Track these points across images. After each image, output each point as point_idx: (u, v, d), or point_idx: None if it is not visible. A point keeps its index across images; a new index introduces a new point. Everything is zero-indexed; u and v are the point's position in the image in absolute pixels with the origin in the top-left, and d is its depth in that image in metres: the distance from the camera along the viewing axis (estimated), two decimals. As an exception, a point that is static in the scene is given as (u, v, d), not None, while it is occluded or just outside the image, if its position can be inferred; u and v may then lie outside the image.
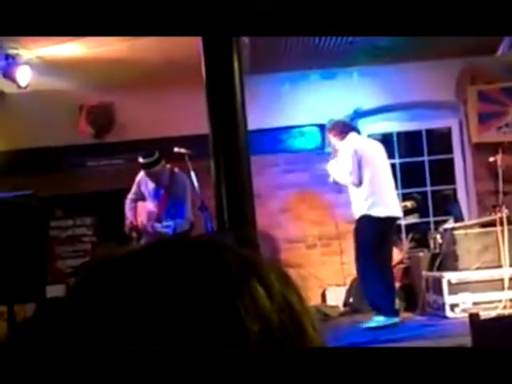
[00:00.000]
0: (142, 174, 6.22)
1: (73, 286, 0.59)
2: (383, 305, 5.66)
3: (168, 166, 6.15)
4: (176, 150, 6.14)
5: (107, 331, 0.54)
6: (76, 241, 7.47)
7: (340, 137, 5.82)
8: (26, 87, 6.13)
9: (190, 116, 7.12)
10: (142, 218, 6.18)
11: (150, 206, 6.19)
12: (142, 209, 6.26)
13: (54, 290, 6.94)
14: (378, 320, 5.57)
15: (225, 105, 3.29)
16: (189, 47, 5.92)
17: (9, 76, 6.01)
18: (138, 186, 6.27)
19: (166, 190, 6.10)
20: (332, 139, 5.90)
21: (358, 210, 5.80)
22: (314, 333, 0.59)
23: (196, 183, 5.95)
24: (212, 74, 3.24)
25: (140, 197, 6.27)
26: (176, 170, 6.16)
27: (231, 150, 3.21)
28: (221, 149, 3.26)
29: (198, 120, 7.10)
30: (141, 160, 6.05)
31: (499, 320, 3.74)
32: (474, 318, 3.37)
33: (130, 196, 6.30)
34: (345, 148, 5.85)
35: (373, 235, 5.72)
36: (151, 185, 6.19)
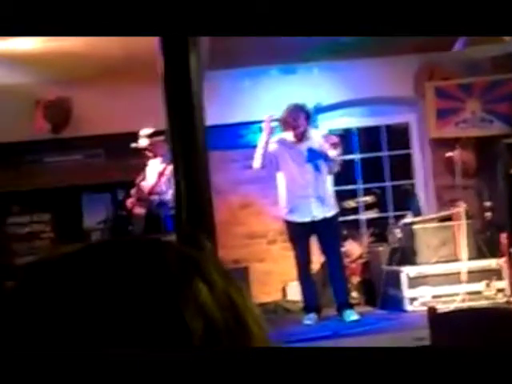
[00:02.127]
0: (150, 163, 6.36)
1: (11, 288, 0.57)
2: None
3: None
4: (133, 145, 6.11)
5: (42, 334, 0.53)
6: (34, 237, 7.37)
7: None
8: (-19, 81, 6.01)
9: (149, 111, 7.06)
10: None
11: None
12: None
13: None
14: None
15: (182, 100, 3.26)
16: (148, 41, 5.86)
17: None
18: (144, 173, 6.40)
19: (165, 167, 6.14)
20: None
21: (330, 204, 5.89)
22: (259, 331, 0.58)
23: (155, 179, 5.91)
24: (169, 69, 3.21)
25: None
26: None
27: (189, 145, 3.19)
28: (178, 145, 3.23)
29: (156, 115, 7.06)
30: (142, 132, 6.30)
31: (456, 313, 3.78)
32: (431, 311, 3.41)
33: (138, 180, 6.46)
34: (315, 134, 5.97)
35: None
36: (155, 165, 6.33)
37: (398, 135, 7.95)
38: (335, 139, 5.86)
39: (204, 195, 3.11)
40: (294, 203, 5.87)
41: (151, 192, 6.18)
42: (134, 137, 6.44)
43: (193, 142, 3.11)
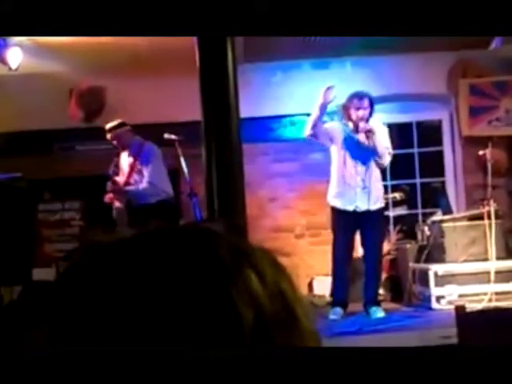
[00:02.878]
0: (121, 153, 6.30)
1: (64, 270, 0.58)
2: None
3: (138, 137, 6.23)
4: (166, 136, 6.14)
5: (96, 318, 0.53)
6: (64, 225, 7.46)
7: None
8: (16, 69, 6.08)
9: (182, 102, 7.10)
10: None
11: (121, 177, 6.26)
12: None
13: (41, 274, 6.94)
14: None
15: (218, 92, 3.28)
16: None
17: (-1, 58, 5.97)
18: (115, 165, 6.33)
19: (135, 158, 6.14)
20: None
21: (376, 197, 5.77)
22: (308, 322, 0.59)
23: (186, 170, 5.94)
24: (206, 61, 3.23)
25: (116, 176, 6.31)
26: (147, 142, 6.22)
27: (223, 137, 3.20)
28: (212, 136, 3.24)
29: (189, 106, 7.07)
30: (106, 126, 6.18)
31: (484, 313, 3.77)
32: (460, 310, 3.40)
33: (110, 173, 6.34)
34: (379, 126, 5.82)
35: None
36: (124, 157, 6.25)
37: (430, 132, 7.89)
38: (369, 127, 5.67)
39: (236, 187, 3.13)
40: (340, 189, 5.74)
41: (126, 184, 6.16)
42: (166, 127, 6.48)
43: (227, 134, 3.13)
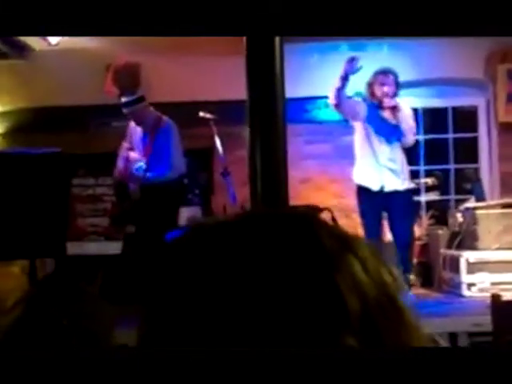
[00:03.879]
0: (131, 125, 6.08)
1: (166, 249, 0.59)
2: None
3: (155, 111, 5.97)
4: (201, 114, 6.15)
5: (197, 301, 0.53)
6: (97, 200, 7.53)
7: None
8: (56, 45, 6.12)
9: (217, 81, 7.11)
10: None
11: (134, 154, 6.02)
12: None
13: (74, 247, 7.02)
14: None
15: (265, 71, 3.27)
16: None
17: (39, 32, 6.00)
18: (130, 137, 6.10)
19: (151, 136, 5.90)
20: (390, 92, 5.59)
21: (402, 180, 5.63)
22: (410, 314, 0.57)
23: (220, 149, 5.96)
24: (252, 40, 3.22)
25: (131, 148, 6.08)
26: (164, 117, 5.96)
27: (269, 117, 3.19)
28: (257, 115, 3.24)
29: (224, 85, 7.10)
30: (122, 99, 5.93)
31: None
32: (495, 298, 3.38)
33: (125, 144, 6.10)
34: (404, 105, 5.68)
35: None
36: (138, 132, 6.03)
37: (465, 118, 7.81)
38: (394, 102, 5.52)
39: (280, 168, 3.13)
40: (365, 166, 5.63)
41: (140, 169, 5.92)
42: (201, 105, 6.49)
43: (272, 114, 3.13)
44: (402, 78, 7.37)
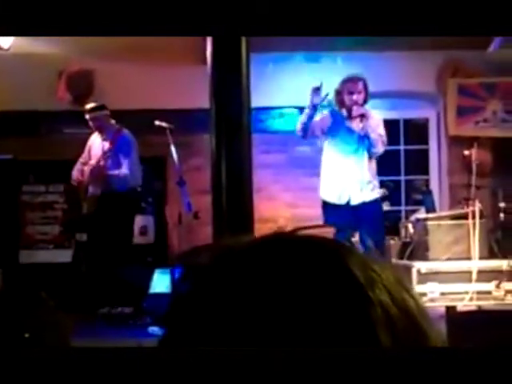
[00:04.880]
0: (91, 137, 6.32)
1: (195, 271, 0.57)
2: None
3: (115, 124, 6.22)
4: (157, 123, 6.12)
5: (230, 323, 0.52)
6: (47, 207, 7.40)
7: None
8: (8, 49, 6.01)
9: (173, 90, 7.08)
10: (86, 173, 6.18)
11: (94, 161, 6.22)
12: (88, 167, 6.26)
13: (23, 256, 6.89)
14: None
15: (230, 81, 3.27)
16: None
17: (-10, 36, 5.89)
18: (88, 150, 6.33)
19: (111, 144, 6.11)
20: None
21: (370, 190, 5.55)
22: (436, 339, 0.57)
23: (176, 157, 5.92)
24: (219, 47, 3.21)
25: (89, 160, 6.28)
26: (124, 129, 6.21)
27: (235, 126, 3.19)
28: (223, 124, 3.23)
29: (180, 94, 7.08)
30: (86, 107, 6.22)
31: (473, 314, 3.81)
32: (450, 310, 3.44)
33: (80, 160, 6.31)
34: (374, 114, 5.57)
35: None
36: (97, 142, 6.24)
37: (416, 130, 7.94)
38: (363, 110, 5.35)
39: (245, 178, 3.13)
40: (330, 180, 5.48)
41: (99, 169, 6.09)
42: (156, 113, 6.45)
43: (237, 124, 3.12)
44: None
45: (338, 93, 5.47)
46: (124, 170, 6.07)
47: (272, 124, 7.63)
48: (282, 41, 6.89)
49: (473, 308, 5.28)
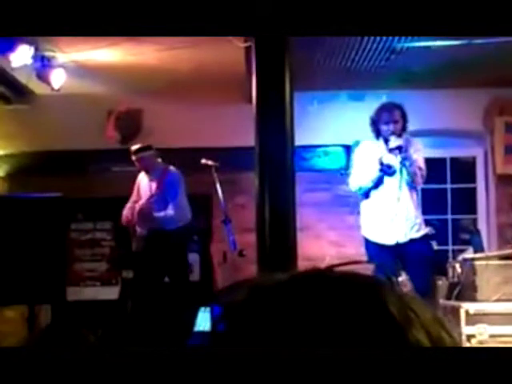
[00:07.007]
0: (139, 176, 6.38)
1: (229, 308, 0.57)
2: None
3: (162, 163, 6.29)
4: (203, 161, 6.18)
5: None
6: (95, 244, 7.49)
7: None
8: (58, 90, 6.17)
9: (218, 128, 7.16)
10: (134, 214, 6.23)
11: (143, 201, 6.28)
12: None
13: (71, 293, 6.97)
14: None
15: (274, 119, 3.29)
16: (220, 58, 5.95)
17: (43, 78, 6.05)
18: (137, 190, 6.39)
19: (158, 184, 6.17)
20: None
21: (417, 226, 5.35)
22: None
23: (221, 195, 5.96)
24: (264, 87, 3.24)
25: (138, 199, 6.34)
26: (171, 167, 6.27)
27: (279, 165, 3.21)
28: (267, 164, 3.26)
29: (224, 132, 7.16)
30: (132, 148, 6.27)
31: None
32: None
33: (130, 200, 6.38)
34: (415, 143, 5.40)
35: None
36: (145, 181, 6.31)
37: (463, 169, 7.86)
38: (398, 142, 5.05)
39: (288, 216, 3.14)
40: (374, 221, 5.23)
41: (147, 209, 6.13)
42: (202, 152, 6.52)
43: (282, 163, 3.14)
44: (400, 129, 7.46)
45: (374, 122, 5.21)
46: (170, 211, 6.09)
47: (317, 162, 7.64)
48: (326, 79, 6.93)
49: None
